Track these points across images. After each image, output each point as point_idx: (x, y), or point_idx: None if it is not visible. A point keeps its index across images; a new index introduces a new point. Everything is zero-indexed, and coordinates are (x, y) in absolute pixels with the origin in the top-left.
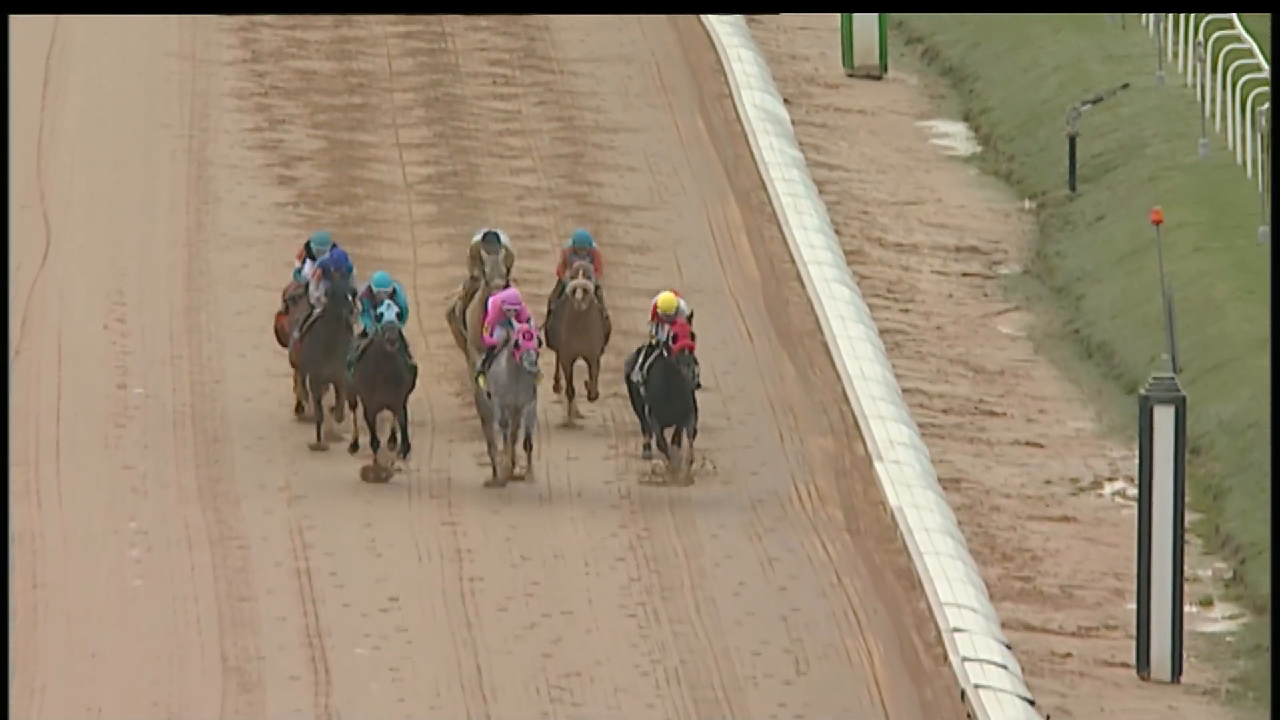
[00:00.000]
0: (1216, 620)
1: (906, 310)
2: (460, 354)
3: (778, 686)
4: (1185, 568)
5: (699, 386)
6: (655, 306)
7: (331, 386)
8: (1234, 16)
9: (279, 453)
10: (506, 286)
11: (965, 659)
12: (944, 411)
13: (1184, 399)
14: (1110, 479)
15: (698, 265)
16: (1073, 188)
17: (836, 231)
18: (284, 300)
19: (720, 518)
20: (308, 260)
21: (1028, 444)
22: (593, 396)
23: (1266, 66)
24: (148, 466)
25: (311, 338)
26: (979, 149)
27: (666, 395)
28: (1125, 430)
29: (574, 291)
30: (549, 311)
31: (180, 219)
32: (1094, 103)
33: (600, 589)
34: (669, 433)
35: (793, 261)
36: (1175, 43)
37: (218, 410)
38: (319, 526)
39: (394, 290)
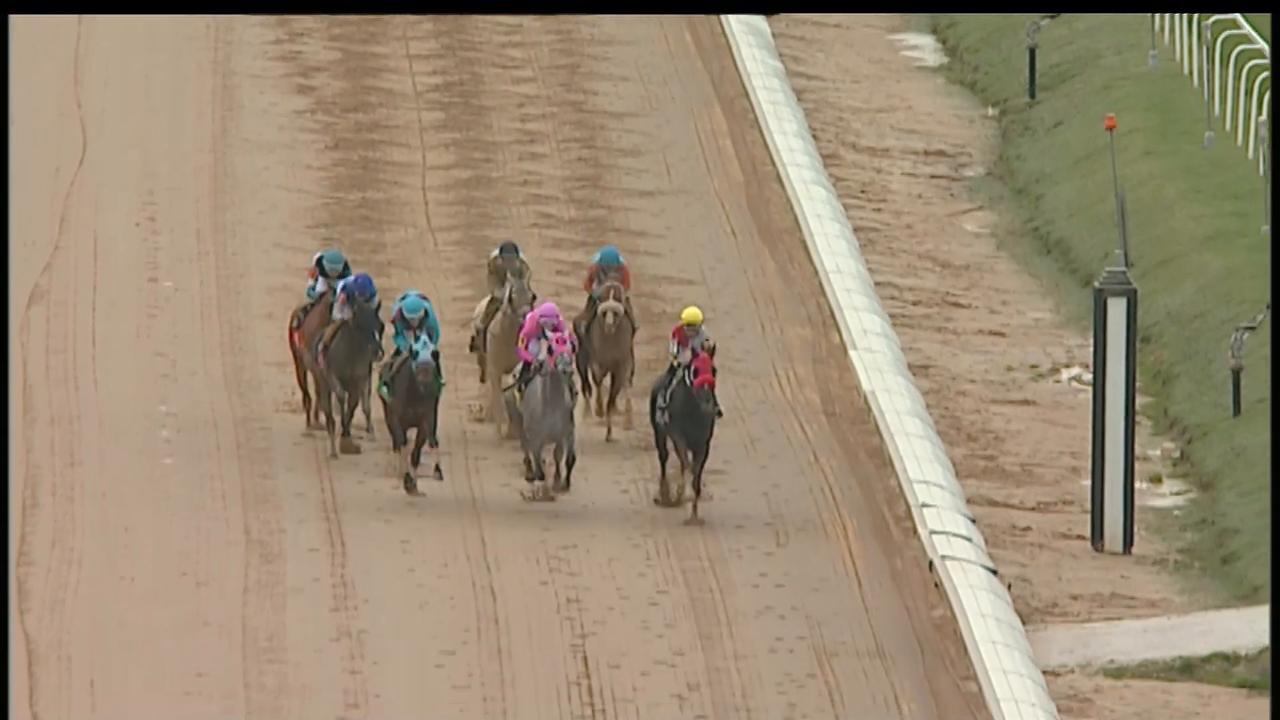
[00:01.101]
0: (1165, 496)
1: (879, 209)
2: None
3: (759, 558)
4: (1136, 447)
5: (720, 415)
6: (678, 326)
7: (347, 391)
8: None
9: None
10: (533, 305)
11: (933, 532)
12: (913, 303)
13: (1135, 291)
14: (1067, 365)
15: (685, 168)
16: (1032, 96)
17: (814, 136)
18: (294, 317)
19: None
20: (320, 278)
21: (991, 333)
22: (612, 402)
23: None
24: (177, 354)
25: (338, 342)
26: (946, 60)
27: (687, 419)
28: (1081, 320)
29: (604, 315)
30: (578, 325)
31: (206, 125)
32: (1052, 17)
33: (594, 470)
34: (686, 455)
35: (773, 164)
36: None
37: (242, 302)
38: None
39: (425, 312)
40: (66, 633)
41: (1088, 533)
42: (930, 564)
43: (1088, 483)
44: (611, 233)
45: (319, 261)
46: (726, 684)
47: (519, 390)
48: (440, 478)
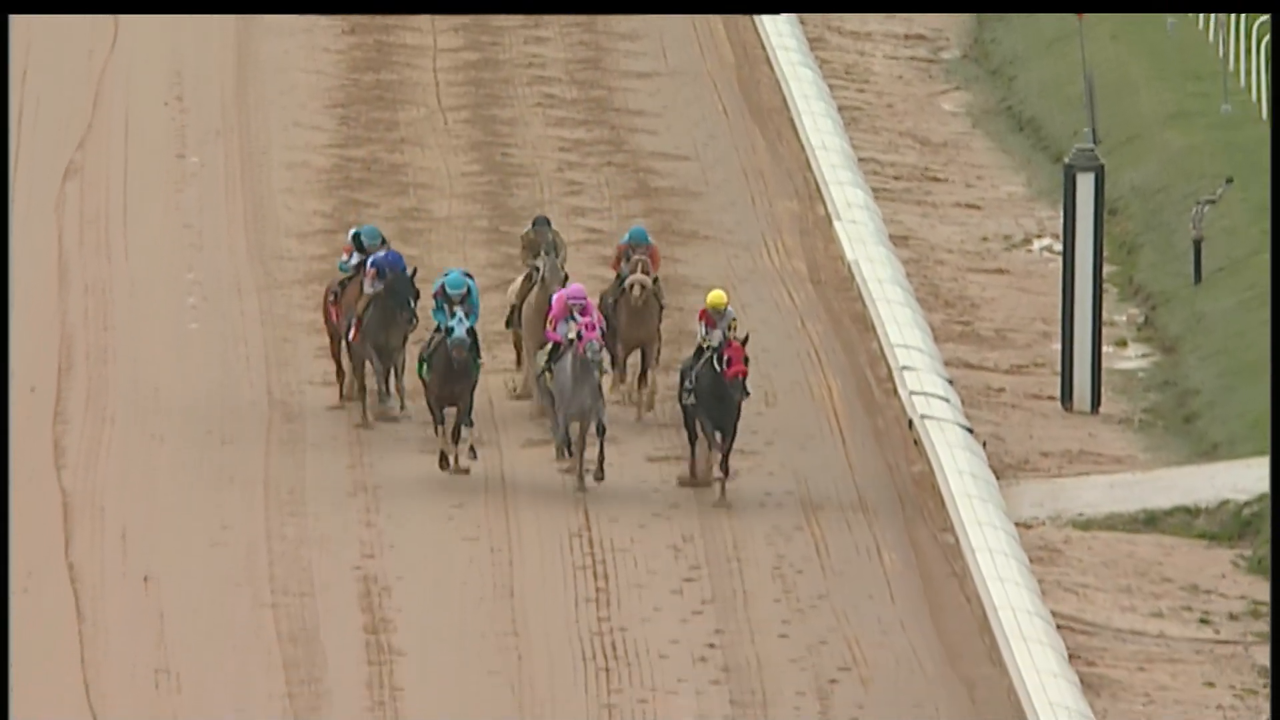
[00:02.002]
0: (1130, 359)
1: (862, 90)
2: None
3: (750, 417)
4: (1103, 313)
5: (747, 395)
6: (703, 309)
7: (381, 363)
8: None
9: (320, 206)
10: (565, 283)
11: (912, 393)
12: (895, 178)
13: (1102, 167)
14: (1038, 236)
15: (680, 51)
16: None
17: (800, 21)
18: (329, 292)
19: (700, 270)
20: (355, 253)
21: (967, 206)
22: (643, 380)
23: None
24: (203, 226)
25: (371, 313)
26: None
27: (716, 399)
28: (1051, 194)
29: (631, 287)
30: (604, 302)
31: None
32: None
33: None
34: (702, 442)
35: (763, 48)
36: None
37: (263, 177)
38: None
39: (468, 290)
40: (99, 487)
41: (1058, 393)
42: (910, 423)
43: (1058, 346)
44: (611, 111)
45: (355, 236)
46: (718, 536)
47: (549, 370)
48: (474, 458)
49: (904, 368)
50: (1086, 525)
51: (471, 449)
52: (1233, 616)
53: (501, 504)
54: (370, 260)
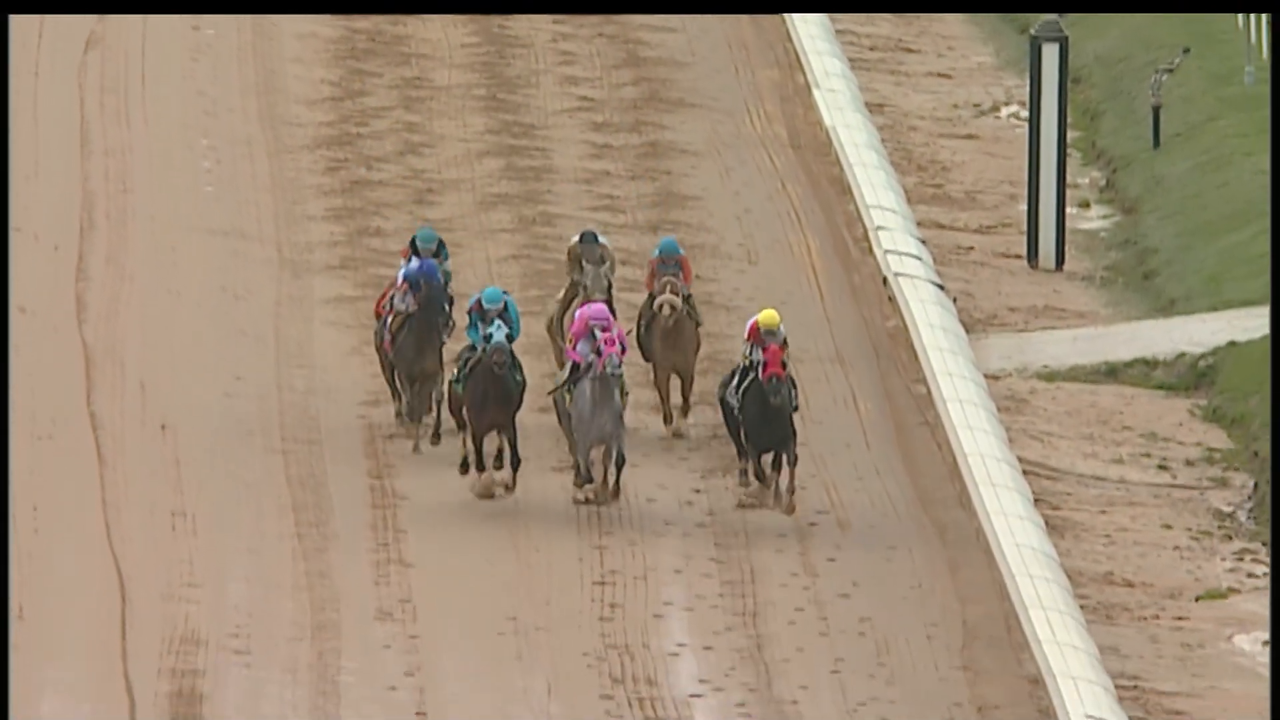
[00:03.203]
0: (1092, 219)
1: None
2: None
3: (733, 274)
4: (1067, 176)
5: (796, 409)
6: (754, 324)
7: (422, 390)
8: None
9: (328, 75)
10: (610, 299)
11: (887, 251)
12: (870, 48)
13: (1067, 38)
14: (1006, 104)
15: None
16: None
17: None
18: (384, 298)
19: (686, 136)
20: (412, 258)
21: (938, 75)
22: (685, 411)
23: None
24: (217, 93)
25: (405, 335)
26: None
27: (763, 420)
28: (1018, 63)
29: (660, 308)
30: (639, 324)
31: None
32: None
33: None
34: (767, 459)
35: None
36: None
37: (275, 47)
38: (366, 135)
39: (505, 305)
40: (119, 340)
41: (1024, 252)
42: (884, 280)
43: (1024, 207)
44: None
45: (413, 241)
46: (699, 385)
47: (567, 392)
48: (512, 490)
49: (879, 228)
50: (1051, 377)
51: (513, 465)
52: (1189, 462)
53: None
54: (403, 272)
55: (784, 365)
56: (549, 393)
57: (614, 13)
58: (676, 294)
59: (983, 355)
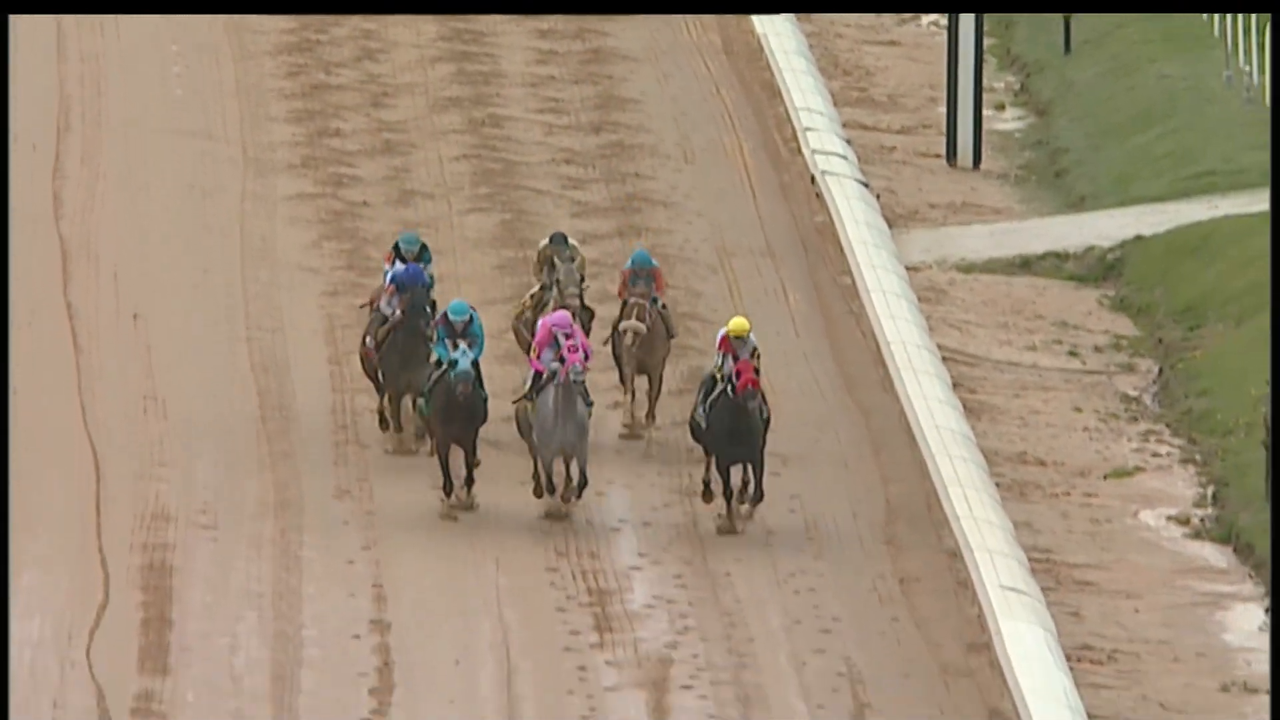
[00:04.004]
0: (1008, 121)
1: None
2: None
3: (670, 173)
4: (984, 80)
5: (767, 422)
6: (724, 335)
7: (409, 398)
8: None
9: None
10: (580, 296)
11: (815, 151)
12: None
13: None
14: (926, 12)
15: None
16: None
17: None
18: (373, 306)
19: (626, 43)
20: (396, 261)
21: None
22: (650, 415)
23: None
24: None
25: (389, 348)
26: None
27: (732, 435)
28: None
29: (624, 333)
30: (613, 334)
31: None
32: None
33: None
34: (736, 472)
35: None
36: None
37: None
38: (325, 41)
39: (470, 318)
40: (94, 234)
41: (944, 152)
42: (812, 178)
43: (944, 110)
44: None
45: (396, 246)
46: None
47: (530, 401)
48: (474, 507)
49: (807, 129)
50: (968, 269)
51: (471, 496)
52: (1097, 349)
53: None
54: (389, 276)
55: (757, 373)
56: (514, 402)
57: (602, 13)
58: (642, 319)
59: (904, 248)
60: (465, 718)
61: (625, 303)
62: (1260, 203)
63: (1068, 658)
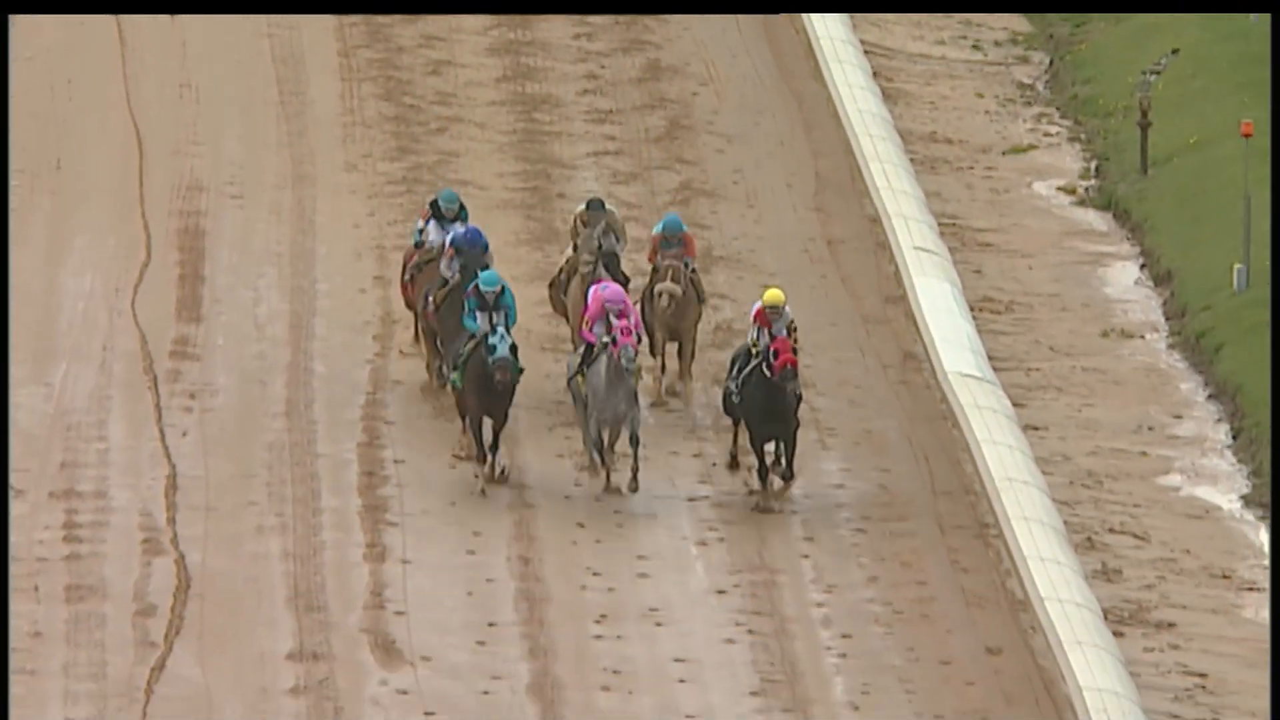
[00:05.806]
0: None
1: None
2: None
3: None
4: None
5: (800, 398)
6: (759, 308)
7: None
8: None
9: None
10: (614, 252)
11: None
12: None
13: None
14: None
15: None
16: None
17: None
18: (406, 269)
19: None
20: (431, 220)
21: None
22: (684, 374)
23: None
24: None
25: (448, 309)
26: None
27: (767, 412)
28: None
29: (660, 295)
30: (642, 301)
31: None
32: None
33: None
34: (769, 447)
35: None
36: None
37: None
38: None
39: (502, 288)
40: None
41: None
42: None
43: None
44: None
45: (433, 202)
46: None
47: (581, 374)
48: (506, 478)
49: None
50: None
51: (504, 470)
52: (997, 43)
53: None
54: (449, 237)
55: (794, 352)
56: (568, 380)
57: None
58: (677, 281)
59: None
60: None
61: (656, 268)
62: None
63: (971, 308)
